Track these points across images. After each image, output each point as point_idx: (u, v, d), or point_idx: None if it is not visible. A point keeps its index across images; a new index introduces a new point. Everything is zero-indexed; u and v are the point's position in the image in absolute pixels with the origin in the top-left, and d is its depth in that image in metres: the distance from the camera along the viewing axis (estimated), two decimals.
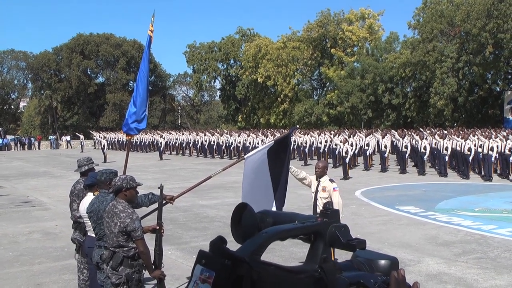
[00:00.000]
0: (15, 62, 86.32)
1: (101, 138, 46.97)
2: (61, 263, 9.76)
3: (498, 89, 52.47)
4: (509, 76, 52.23)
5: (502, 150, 23.05)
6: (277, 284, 1.59)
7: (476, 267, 9.16)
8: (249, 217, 1.74)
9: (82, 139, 55.09)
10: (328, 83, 65.89)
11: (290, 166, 7.97)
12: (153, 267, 5.99)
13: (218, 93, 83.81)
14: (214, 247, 1.63)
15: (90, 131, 61.03)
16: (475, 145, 23.80)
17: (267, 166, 7.05)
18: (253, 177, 6.97)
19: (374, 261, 1.90)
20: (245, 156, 7.15)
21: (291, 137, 7.90)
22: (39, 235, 12.39)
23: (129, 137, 9.84)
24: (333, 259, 1.84)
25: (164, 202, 6.79)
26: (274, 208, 7.18)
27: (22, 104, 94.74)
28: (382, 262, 1.88)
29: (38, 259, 10.19)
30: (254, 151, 7.33)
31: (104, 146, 38.79)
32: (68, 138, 65.78)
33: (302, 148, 32.83)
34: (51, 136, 67.67)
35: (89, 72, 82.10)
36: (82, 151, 48.97)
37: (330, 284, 1.65)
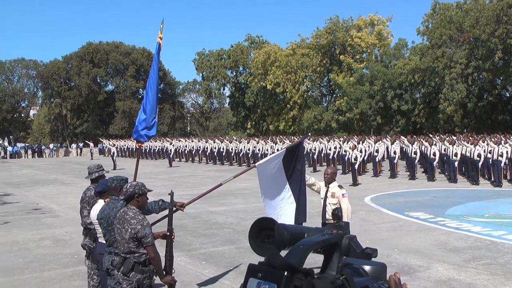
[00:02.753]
0: (25, 70, 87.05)
1: (111, 145, 47.18)
2: (71, 270, 9.81)
3: (508, 95, 52.32)
4: None
5: None
6: None
7: (486, 273, 9.14)
8: (281, 232, 1.81)
9: (91, 146, 55.36)
10: (337, 90, 65.86)
11: None
12: (164, 273, 6.03)
13: (227, 100, 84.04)
14: (273, 260, 1.68)
15: (100, 139, 61.26)
16: (484, 151, 23.72)
17: (284, 176, 7.10)
18: (271, 187, 7.01)
19: (365, 267, 1.99)
20: (256, 164, 7.17)
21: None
22: (49, 242, 12.46)
23: (139, 144, 9.90)
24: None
25: (174, 209, 6.84)
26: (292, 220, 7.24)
27: (32, 112, 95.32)
28: (373, 267, 1.98)
29: (48, 265, 10.25)
30: (265, 159, 7.36)
31: (113, 153, 38.96)
32: (81, 145, 65.82)
33: (311, 154, 32.85)
34: (51, 145, 67.62)
35: (98, 80, 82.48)
36: (91, 159, 49.20)
37: None
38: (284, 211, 7.24)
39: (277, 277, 1.64)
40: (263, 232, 1.81)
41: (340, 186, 8.65)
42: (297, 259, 1.71)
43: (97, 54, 79.28)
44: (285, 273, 1.63)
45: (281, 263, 1.65)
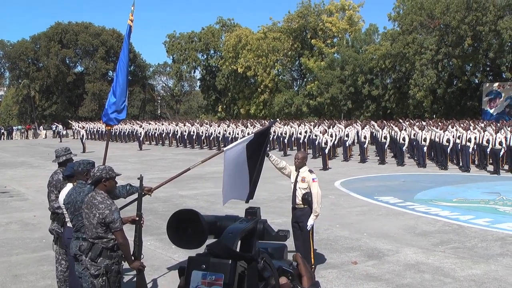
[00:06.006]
0: None
1: (80, 128, 46.62)
2: (39, 254, 9.69)
3: (477, 81, 52.85)
4: (488, 69, 52.62)
5: (480, 141, 23.28)
6: (256, 274, 1.67)
7: (454, 257, 9.26)
8: (206, 223, 1.80)
9: (60, 128, 54.64)
10: (308, 74, 65.98)
11: (270, 155, 8.07)
12: (133, 258, 5.96)
13: (198, 83, 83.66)
14: (217, 249, 1.65)
15: (69, 121, 60.40)
16: (453, 136, 24.00)
17: (246, 158, 7.05)
18: (232, 170, 6.96)
19: (269, 250, 2.02)
20: (224, 149, 7.13)
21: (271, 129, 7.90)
22: (17, 226, 12.29)
23: (109, 127, 9.78)
24: None
25: (142, 193, 6.75)
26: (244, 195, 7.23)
27: None
28: (276, 248, 2.04)
29: (16, 250, 10.11)
30: (234, 144, 7.28)
31: (82, 136, 38.48)
32: (61, 126, 62.71)
33: (281, 138, 32.89)
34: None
35: (67, 61, 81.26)
36: (61, 141, 48.61)
37: (274, 270, 1.77)
38: (241, 191, 7.20)
39: (223, 267, 1.62)
40: (183, 223, 1.80)
41: (311, 171, 8.64)
42: (232, 246, 1.71)
43: (66, 35, 77.97)
44: (230, 261, 1.62)
45: (227, 251, 1.64)
